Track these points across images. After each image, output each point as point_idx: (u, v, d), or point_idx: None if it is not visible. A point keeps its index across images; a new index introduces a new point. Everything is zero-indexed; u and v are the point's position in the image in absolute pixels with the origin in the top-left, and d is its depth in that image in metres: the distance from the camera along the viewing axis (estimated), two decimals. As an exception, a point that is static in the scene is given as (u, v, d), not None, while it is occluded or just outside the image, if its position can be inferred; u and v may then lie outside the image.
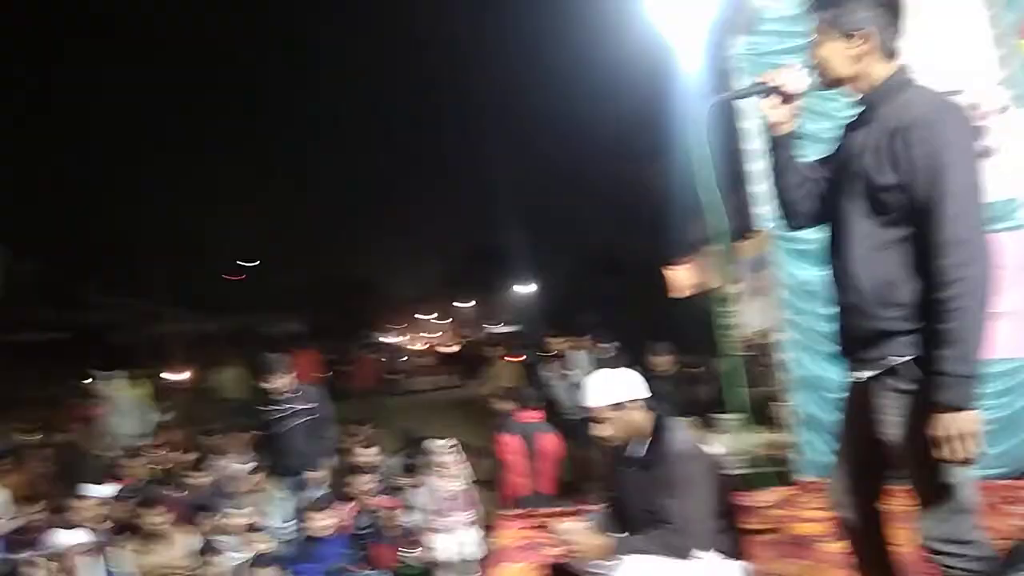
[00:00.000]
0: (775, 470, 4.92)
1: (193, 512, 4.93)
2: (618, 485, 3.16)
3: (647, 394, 3.02)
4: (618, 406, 2.95)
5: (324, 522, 4.79)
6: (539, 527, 4.24)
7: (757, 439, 5.88)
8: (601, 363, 7.61)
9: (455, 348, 36.13)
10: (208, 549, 4.49)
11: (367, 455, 6.49)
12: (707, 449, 3.13)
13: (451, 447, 5.27)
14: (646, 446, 2.98)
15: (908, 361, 2.07)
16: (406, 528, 5.29)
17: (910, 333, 2.05)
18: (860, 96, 2.20)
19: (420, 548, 4.97)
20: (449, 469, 5.16)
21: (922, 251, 2.01)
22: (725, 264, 5.17)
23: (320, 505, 4.93)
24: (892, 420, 2.11)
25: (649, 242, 16.09)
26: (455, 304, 45.88)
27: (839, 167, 2.23)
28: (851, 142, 2.20)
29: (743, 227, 4.77)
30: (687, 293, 14.39)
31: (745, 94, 2.50)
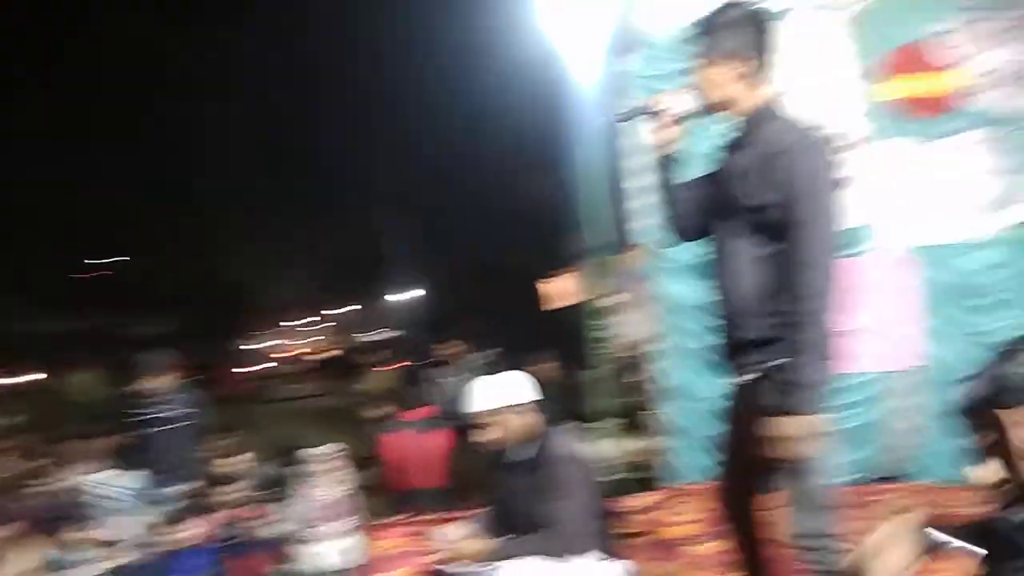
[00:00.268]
0: (645, 476, 5.10)
1: (43, 523, 4.57)
2: (501, 489, 3.18)
3: (537, 397, 3.05)
4: (500, 411, 2.97)
5: (184, 534, 4.59)
6: (418, 533, 4.20)
7: (628, 446, 6.09)
8: (484, 369, 7.68)
9: (329, 355, 35.32)
10: (57, 563, 4.17)
11: (233, 464, 6.24)
12: (587, 454, 3.21)
13: (337, 452, 5.16)
14: (530, 450, 3.01)
15: (782, 364, 2.18)
16: (277, 539, 5.13)
17: (783, 340, 2.18)
18: (737, 120, 2.33)
19: (295, 558, 4.83)
20: (333, 475, 5.05)
21: (788, 266, 2.17)
22: (603, 276, 5.34)
23: (180, 516, 4.70)
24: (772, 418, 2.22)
25: (531, 252, 16.33)
26: (330, 309, 44.81)
27: (718, 186, 2.36)
28: (728, 163, 2.33)
29: (623, 240, 4.93)
30: (562, 305, 14.74)
31: (631, 116, 2.59)
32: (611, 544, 3.04)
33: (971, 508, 3.95)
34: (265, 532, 5.00)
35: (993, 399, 1.15)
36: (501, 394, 3.00)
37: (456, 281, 20.39)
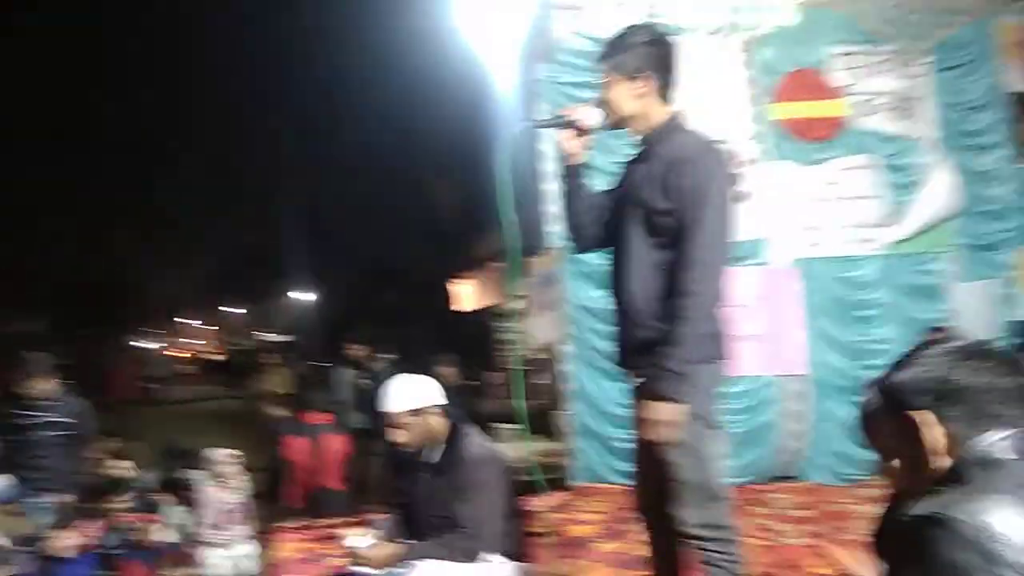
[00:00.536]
0: (551, 477, 5.16)
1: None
2: (409, 491, 3.14)
3: (444, 401, 3.04)
4: (417, 411, 2.94)
5: (67, 542, 4.33)
6: (321, 538, 4.10)
7: (534, 447, 6.14)
8: (388, 372, 7.59)
9: (221, 356, 34.00)
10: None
11: (119, 469, 5.95)
12: (499, 455, 3.21)
13: (233, 458, 4.98)
14: (440, 452, 3.00)
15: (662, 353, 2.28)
16: (166, 545, 4.92)
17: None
18: (640, 136, 2.46)
19: (187, 565, 4.64)
20: (228, 480, 4.87)
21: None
22: (513, 280, 5.36)
23: (63, 523, 4.43)
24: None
25: (436, 255, 16.26)
26: (223, 309, 43.14)
27: (620, 198, 2.48)
28: (631, 176, 2.46)
29: (535, 244, 4.98)
30: (472, 306, 14.77)
31: (546, 125, 2.73)
32: (519, 545, 3.05)
33: (856, 507, 4.20)
34: (155, 538, 4.80)
35: (901, 403, 1.22)
36: (415, 396, 2.97)
37: (359, 282, 20.05)
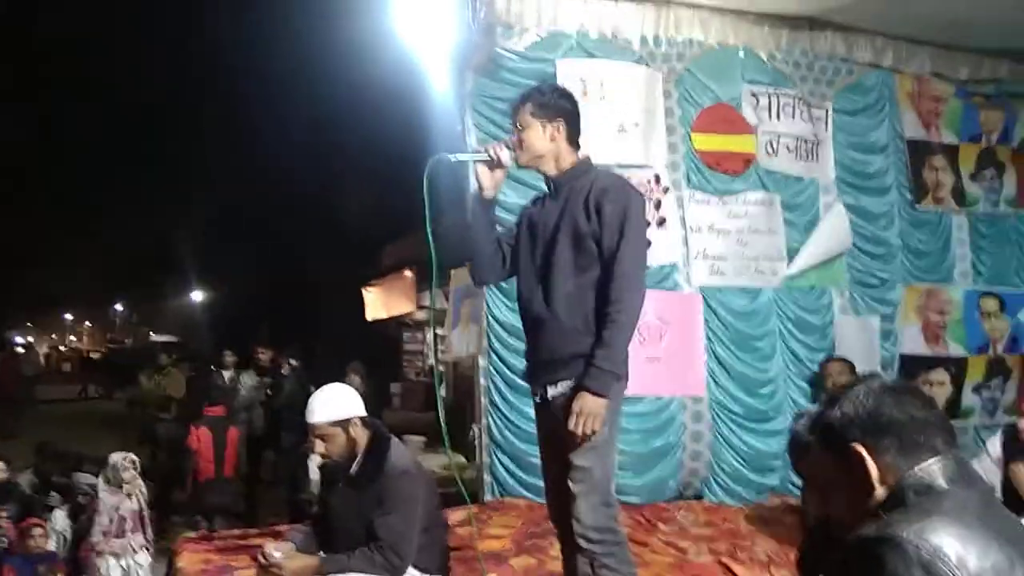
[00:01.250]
0: (461, 490, 5.13)
1: None
2: (327, 502, 3.07)
3: (364, 412, 3.00)
4: (339, 422, 2.89)
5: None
6: (225, 549, 3.93)
7: (445, 460, 6.10)
8: (293, 376, 7.40)
9: (100, 353, 32.22)
10: None
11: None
12: (421, 467, 3.19)
13: (129, 462, 4.74)
14: (361, 463, 2.95)
15: (591, 354, 2.51)
16: (48, 552, 4.62)
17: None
18: (551, 175, 2.71)
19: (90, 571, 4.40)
20: (125, 485, 4.64)
21: (603, 286, 2.55)
22: (432, 292, 5.32)
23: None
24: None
25: (346, 261, 15.94)
26: (113, 307, 40.88)
27: (530, 233, 2.73)
28: (541, 213, 2.73)
29: (455, 257, 4.97)
30: (381, 315, 14.54)
31: (465, 158, 2.98)
32: (438, 560, 3.03)
33: (752, 526, 4.38)
34: (37, 546, 4.51)
35: (839, 437, 1.29)
36: (337, 406, 2.92)
37: (262, 285, 19.39)
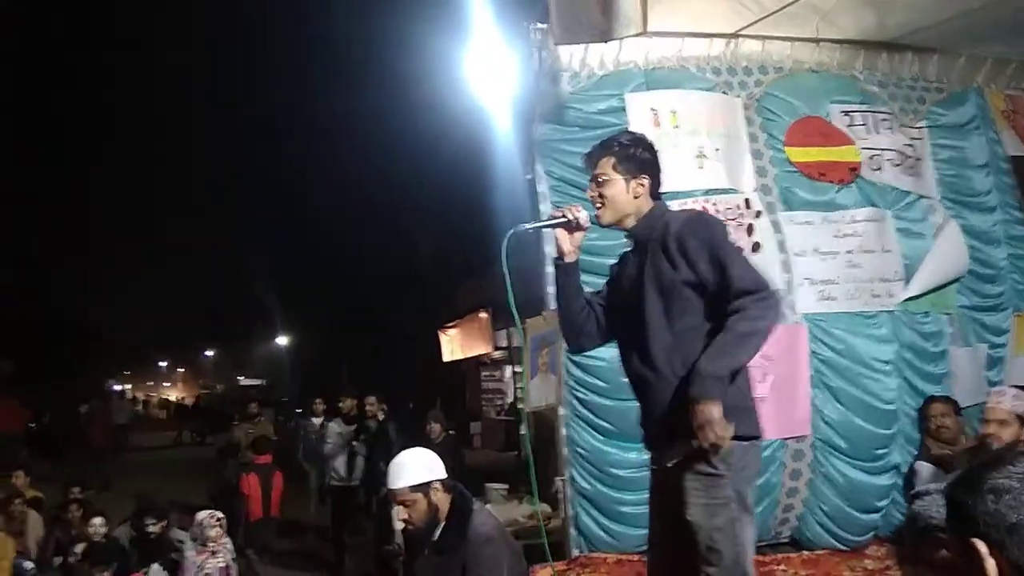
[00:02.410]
0: (544, 543, 5.02)
1: None
2: (412, 569, 3.03)
3: (444, 475, 2.96)
4: (419, 487, 2.86)
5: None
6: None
7: (526, 510, 5.99)
8: (381, 428, 7.44)
9: (193, 400, 33.42)
10: None
11: (94, 526, 5.73)
12: (505, 530, 3.11)
13: (216, 520, 4.82)
14: (440, 529, 2.90)
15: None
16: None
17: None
18: (630, 230, 2.58)
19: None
20: (210, 544, 4.70)
21: (713, 331, 2.33)
22: (514, 337, 5.26)
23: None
24: (695, 501, 2.31)
25: (418, 304, 16.15)
26: (204, 353, 42.51)
27: (617, 293, 2.62)
28: (624, 269, 2.61)
29: (533, 306, 4.92)
30: (458, 356, 14.67)
31: (542, 225, 2.90)
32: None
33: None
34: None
35: (966, 525, 1.16)
36: (417, 471, 2.89)
37: (341, 328, 19.82)
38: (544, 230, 4.72)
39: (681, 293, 2.39)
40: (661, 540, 2.53)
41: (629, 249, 2.63)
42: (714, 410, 2.20)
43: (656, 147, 2.62)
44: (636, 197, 2.54)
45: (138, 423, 22.18)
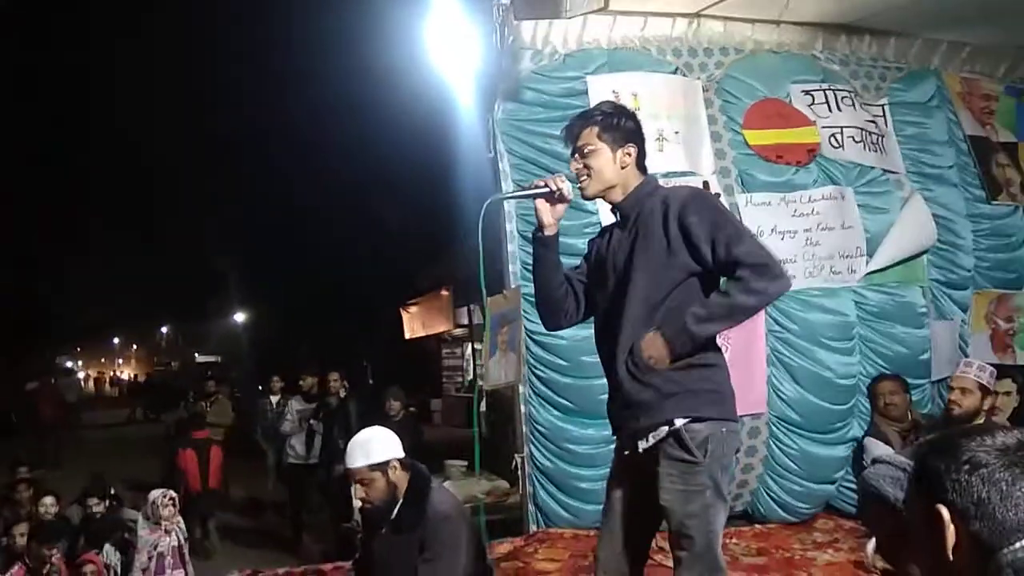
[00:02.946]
0: (504, 519, 5.06)
1: None
2: (369, 548, 3.03)
3: (402, 453, 2.96)
4: (378, 466, 2.86)
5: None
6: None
7: (485, 487, 6.03)
8: (342, 406, 7.39)
9: (147, 376, 32.87)
10: None
11: (44, 505, 5.64)
12: (464, 507, 3.13)
13: (169, 499, 4.76)
14: (398, 507, 2.90)
15: (687, 423, 2.29)
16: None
17: (688, 394, 2.31)
18: (616, 203, 2.50)
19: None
20: (164, 522, 4.65)
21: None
22: (479, 315, 5.23)
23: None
24: (670, 487, 2.30)
25: (380, 281, 16.03)
26: (153, 329, 41.69)
27: (600, 269, 2.52)
28: (608, 244, 2.51)
29: (496, 282, 4.91)
30: (419, 334, 14.63)
31: (520, 195, 2.79)
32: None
33: (805, 552, 4.22)
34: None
35: (932, 490, 1.19)
36: (375, 450, 2.88)
37: (301, 305, 19.59)
38: (509, 203, 4.83)
39: (673, 276, 2.34)
40: (618, 521, 2.50)
41: (614, 222, 2.55)
42: (664, 354, 2.26)
43: (638, 120, 2.53)
44: (623, 168, 2.45)
45: (90, 400, 21.73)
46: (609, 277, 2.47)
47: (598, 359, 2.58)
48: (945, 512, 1.16)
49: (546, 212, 2.51)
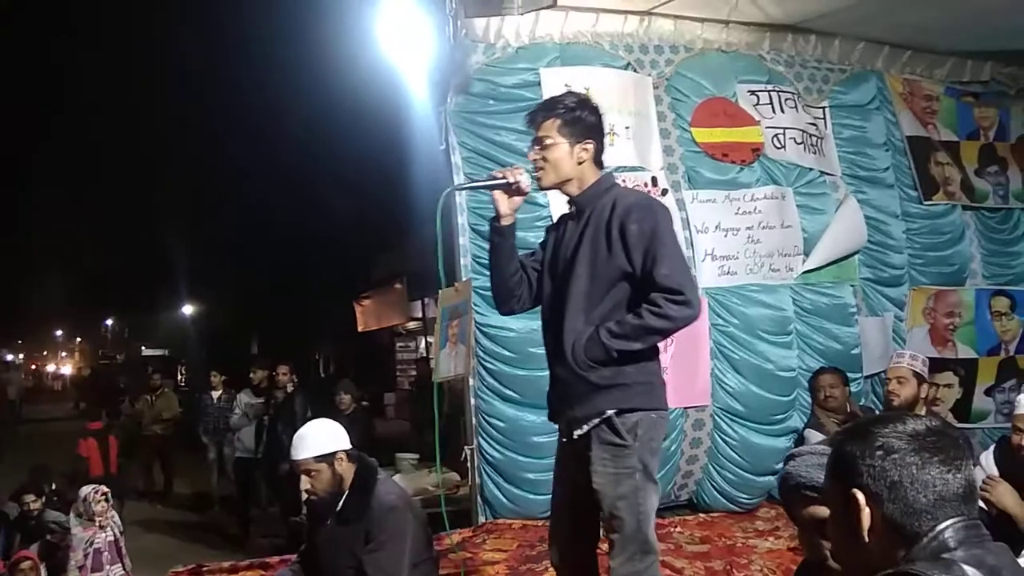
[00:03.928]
0: (454, 510, 5.08)
1: None
2: (314, 539, 3.02)
3: (348, 445, 2.96)
4: (324, 457, 2.85)
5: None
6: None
7: (435, 479, 6.04)
8: (291, 398, 7.31)
9: (91, 370, 32.02)
10: None
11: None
12: (411, 498, 3.14)
13: (101, 494, 4.66)
14: (345, 499, 2.90)
15: (620, 413, 2.39)
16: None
17: (621, 387, 2.40)
18: (572, 196, 2.57)
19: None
20: (97, 518, 4.56)
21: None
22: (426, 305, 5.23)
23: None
24: (601, 471, 2.38)
25: (333, 273, 15.86)
26: (98, 322, 40.56)
27: (551, 258, 2.60)
28: (562, 235, 2.58)
29: (449, 275, 4.92)
30: (373, 327, 14.51)
31: (479, 186, 2.86)
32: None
33: (747, 540, 4.33)
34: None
35: (846, 476, 1.25)
36: (321, 442, 2.88)
37: (253, 298, 19.27)
38: (461, 196, 4.84)
39: (611, 275, 2.43)
40: (564, 507, 2.60)
41: (569, 213, 2.62)
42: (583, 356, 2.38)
43: (599, 113, 2.58)
44: (580, 163, 2.51)
45: (32, 394, 21.08)
46: (558, 267, 2.55)
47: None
48: (860, 496, 1.21)
49: (503, 203, 2.58)
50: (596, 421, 2.40)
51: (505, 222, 2.60)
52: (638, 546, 2.37)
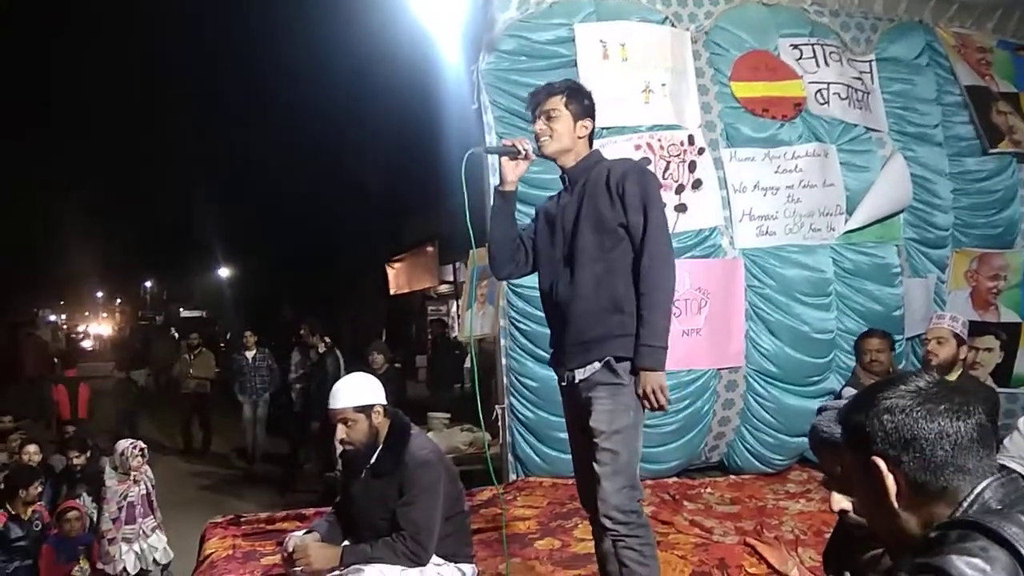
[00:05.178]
0: (484, 468, 5.13)
1: None
2: (348, 491, 3.07)
3: (384, 400, 2.99)
4: (362, 408, 2.89)
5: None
6: (253, 534, 3.96)
7: (467, 438, 6.11)
8: (330, 357, 7.44)
9: (131, 330, 32.75)
10: None
11: (28, 454, 5.69)
12: (443, 454, 3.17)
13: (138, 449, 4.78)
14: (379, 452, 2.94)
15: (619, 360, 2.62)
16: (85, 535, 4.71)
17: (627, 336, 2.61)
18: (566, 168, 2.79)
19: (101, 559, 4.47)
20: (132, 473, 4.69)
21: (632, 269, 2.66)
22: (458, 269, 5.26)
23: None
24: (599, 409, 2.60)
25: (365, 237, 15.93)
26: (142, 284, 41.37)
27: (549, 226, 2.82)
28: (558, 207, 2.81)
29: (480, 235, 4.90)
30: (404, 290, 14.61)
31: (493, 151, 3.17)
32: (462, 547, 3.03)
33: (779, 502, 4.31)
34: (73, 529, 4.61)
35: (860, 443, 1.22)
36: (361, 393, 2.92)
37: (286, 261, 19.48)
38: (491, 159, 4.80)
39: (614, 230, 2.65)
40: (578, 455, 2.80)
41: (562, 190, 2.85)
42: (662, 379, 2.57)
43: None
44: (579, 138, 2.76)
45: (74, 354, 21.61)
46: (558, 234, 2.78)
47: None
48: (881, 463, 1.19)
49: (509, 169, 2.79)
50: (598, 366, 2.62)
51: (508, 188, 2.81)
52: (628, 479, 2.58)
